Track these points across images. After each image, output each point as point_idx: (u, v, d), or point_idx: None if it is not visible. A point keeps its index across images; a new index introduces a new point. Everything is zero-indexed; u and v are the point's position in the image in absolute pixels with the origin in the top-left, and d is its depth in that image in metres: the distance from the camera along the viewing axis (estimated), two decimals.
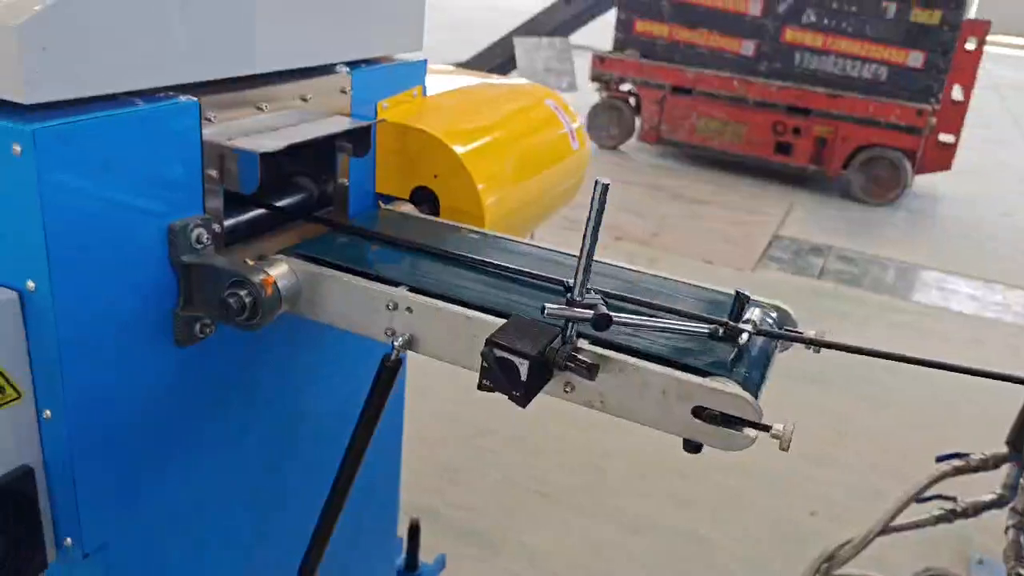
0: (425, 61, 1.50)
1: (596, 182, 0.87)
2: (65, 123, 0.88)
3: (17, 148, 0.86)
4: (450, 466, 2.85)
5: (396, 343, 1.03)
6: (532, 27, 5.27)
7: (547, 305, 0.91)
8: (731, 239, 5.98)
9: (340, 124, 1.23)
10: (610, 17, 7.89)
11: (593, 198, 0.89)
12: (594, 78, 7.67)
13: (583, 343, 0.95)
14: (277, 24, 1.14)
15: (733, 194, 6.99)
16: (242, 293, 1.03)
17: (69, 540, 1.04)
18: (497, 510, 2.69)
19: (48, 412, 0.97)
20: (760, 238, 6.07)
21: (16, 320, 0.93)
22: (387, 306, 1.05)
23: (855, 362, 3.55)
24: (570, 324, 0.93)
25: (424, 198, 1.42)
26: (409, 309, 1.04)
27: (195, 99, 1.03)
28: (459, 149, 1.36)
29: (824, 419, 3.48)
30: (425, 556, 2.17)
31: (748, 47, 7.29)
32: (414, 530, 2.14)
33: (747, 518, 2.82)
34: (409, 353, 1.07)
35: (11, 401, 0.95)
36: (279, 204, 1.27)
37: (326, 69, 1.28)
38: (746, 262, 5.56)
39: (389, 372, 1.06)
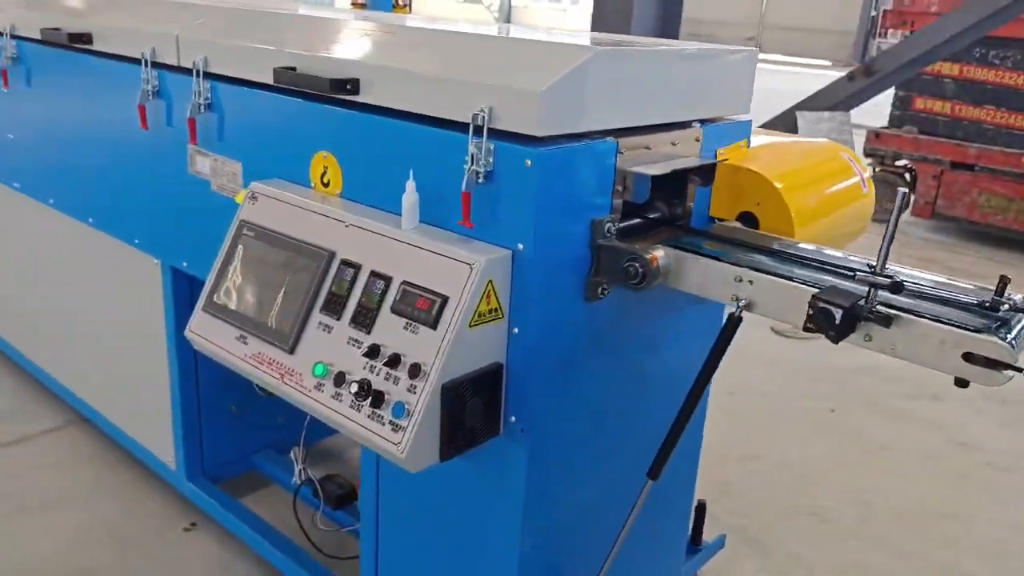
0: (751, 120, 2.00)
1: (898, 191, 1.30)
2: (554, 149, 1.47)
3: (528, 162, 1.45)
4: (723, 481, 3.22)
5: (740, 304, 1.51)
6: (813, 102, 5.63)
7: (858, 273, 1.34)
8: None
9: (696, 161, 1.75)
10: (881, 96, 7.96)
11: (896, 204, 1.32)
12: (868, 153, 7.78)
13: (879, 306, 1.37)
14: (663, 93, 1.69)
15: (1012, 270, 6.73)
16: (637, 265, 1.56)
17: (514, 418, 1.60)
18: (769, 521, 3.02)
19: (516, 329, 1.55)
20: None
21: (507, 269, 1.52)
22: (735, 279, 1.53)
23: None
24: (872, 289, 1.35)
25: (746, 221, 1.89)
26: (751, 281, 1.51)
27: (615, 140, 1.59)
28: (779, 185, 1.82)
29: None
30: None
31: None
32: (701, 509, 2.56)
33: (1018, 566, 2.90)
34: None
35: (498, 319, 1.53)
36: (649, 216, 1.80)
37: (687, 124, 1.81)
38: None
39: (733, 325, 1.53)
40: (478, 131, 1.48)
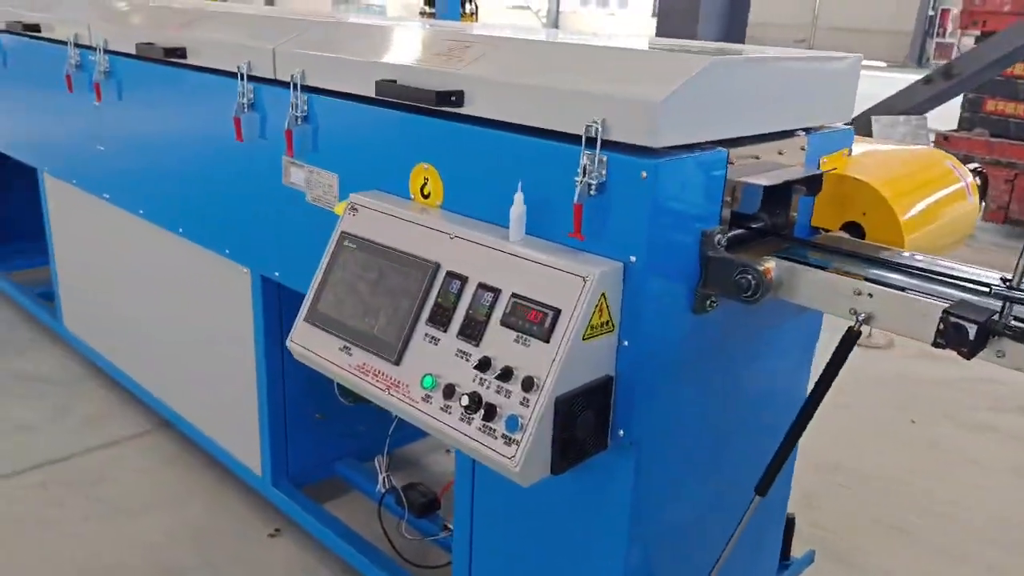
0: (853, 128, 1.96)
1: None
2: (670, 160, 1.45)
3: (644, 174, 1.44)
4: (807, 493, 3.16)
5: (860, 318, 1.47)
6: (889, 106, 5.51)
7: (993, 287, 1.30)
8: None
9: (806, 171, 1.72)
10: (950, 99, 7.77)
11: None
12: None
13: (1014, 321, 1.33)
14: (771, 102, 1.67)
15: None
16: (749, 277, 1.53)
17: (622, 431, 1.59)
18: (853, 535, 2.95)
19: (626, 342, 1.54)
20: None
21: (619, 281, 1.50)
22: (854, 292, 1.49)
23: None
24: (1008, 303, 1.31)
25: (851, 231, 1.85)
26: (870, 295, 1.48)
27: (725, 150, 1.57)
28: (886, 193, 1.78)
29: None
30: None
31: None
32: (790, 523, 2.51)
33: None
34: None
35: (609, 332, 1.52)
36: (752, 226, 1.77)
37: (792, 133, 1.78)
38: None
39: (851, 339, 1.49)
40: (591, 143, 1.48)
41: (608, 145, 1.47)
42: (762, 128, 1.67)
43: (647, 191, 1.44)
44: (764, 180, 1.59)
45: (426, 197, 1.84)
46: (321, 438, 2.85)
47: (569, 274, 1.48)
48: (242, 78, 2.24)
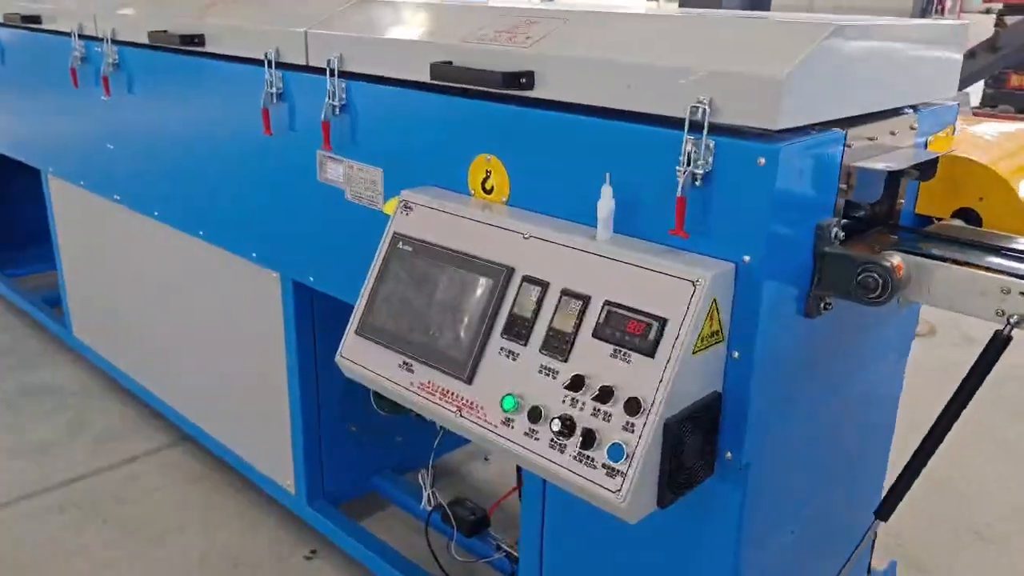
0: (957, 104, 1.76)
1: None
2: (790, 145, 1.25)
3: (762, 161, 1.24)
4: None
5: (1012, 320, 1.28)
6: None
7: None
8: None
9: (927, 154, 1.52)
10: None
11: None
12: None
13: None
14: (885, 76, 1.47)
15: None
16: (876, 275, 1.34)
17: (729, 454, 1.40)
18: (931, 543, 2.76)
19: (736, 353, 1.34)
20: None
21: (731, 285, 1.31)
22: (1001, 291, 1.30)
23: None
24: None
25: (965, 218, 1.65)
26: (1022, 293, 1.28)
27: (843, 131, 1.37)
28: (1008, 175, 1.59)
29: None
30: None
31: None
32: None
33: None
34: None
35: (718, 342, 1.33)
36: (854, 216, 1.58)
37: (900, 111, 1.58)
38: None
39: (999, 346, 1.30)
40: (695, 127, 1.28)
41: (714, 129, 1.28)
42: (877, 105, 1.47)
43: (765, 180, 1.25)
44: (888, 164, 1.39)
45: (488, 192, 1.64)
46: (357, 452, 2.66)
47: (676, 278, 1.28)
48: (270, 65, 2.03)
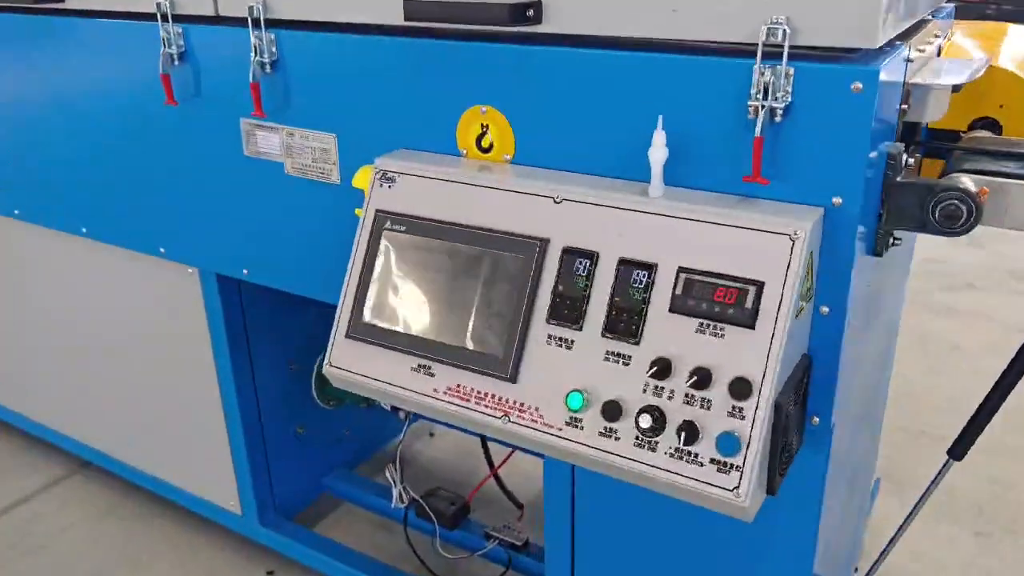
0: (954, 6, 1.65)
1: None
2: (884, 63, 1.08)
3: (858, 86, 1.06)
4: None
5: None
6: None
7: None
8: None
9: (981, 64, 1.39)
10: None
11: None
12: None
13: None
14: None
15: None
16: (959, 203, 1.21)
17: (816, 419, 1.25)
18: (895, 452, 2.79)
19: (826, 308, 1.19)
20: None
21: (819, 233, 1.14)
22: None
23: None
24: None
25: (983, 128, 1.56)
26: None
27: (905, 44, 1.22)
28: None
29: None
30: None
31: None
32: None
33: None
34: None
35: (809, 299, 1.16)
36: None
37: (925, 20, 1.45)
38: None
39: None
40: (770, 53, 1.08)
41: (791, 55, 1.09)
42: (925, 10, 1.33)
43: (861, 107, 1.07)
44: (954, 78, 1.25)
45: (486, 151, 1.39)
46: (306, 455, 2.36)
47: (768, 232, 1.10)
48: (164, 19, 1.65)
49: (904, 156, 1.24)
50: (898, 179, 1.23)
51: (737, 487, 1.07)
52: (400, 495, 2.21)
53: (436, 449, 2.83)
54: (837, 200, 1.13)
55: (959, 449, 1.40)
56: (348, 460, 2.53)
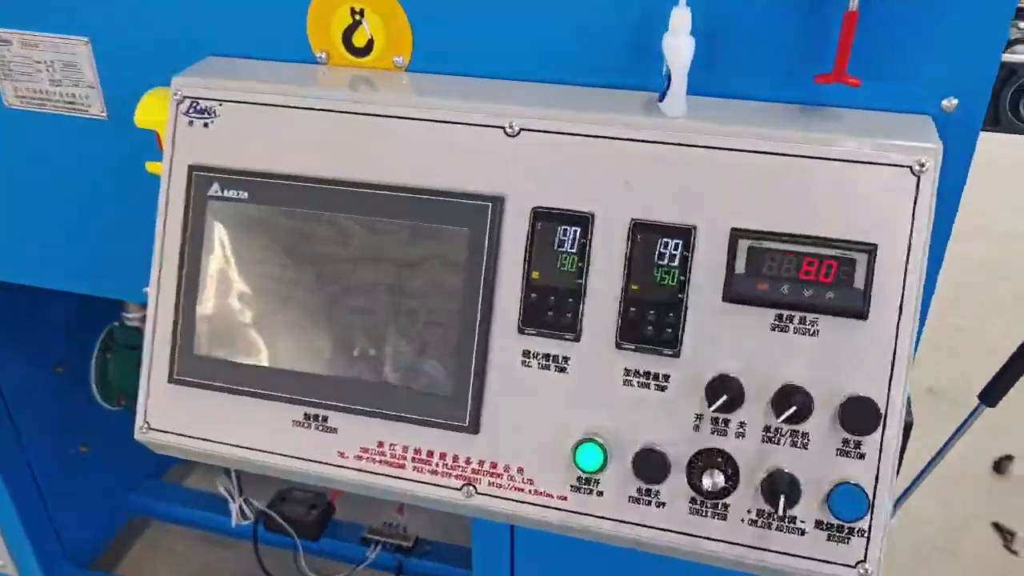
0: None
1: None
2: None
3: None
4: None
5: None
6: None
7: None
8: None
9: None
10: None
11: None
12: None
13: None
14: None
15: None
16: None
17: None
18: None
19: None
20: None
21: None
22: None
23: None
24: None
25: None
26: None
27: None
28: None
29: None
30: None
31: None
32: None
33: None
34: None
35: None
36: None
37: None
38: None
39: None
40: None
41: None
42: None
43: None
44: None
45: (363, 53, 0.86)
46: (97, 476, 1.76)
47: (877, 165, 0.69)
48: None
49: None
50: None
51: (863, 560, 0.71)
52: (240, 510, 1.70)
53: None
54: (951, 102, 0.74)
55: (993, 397, 1.14)
56: (158, 466, 1.96)
